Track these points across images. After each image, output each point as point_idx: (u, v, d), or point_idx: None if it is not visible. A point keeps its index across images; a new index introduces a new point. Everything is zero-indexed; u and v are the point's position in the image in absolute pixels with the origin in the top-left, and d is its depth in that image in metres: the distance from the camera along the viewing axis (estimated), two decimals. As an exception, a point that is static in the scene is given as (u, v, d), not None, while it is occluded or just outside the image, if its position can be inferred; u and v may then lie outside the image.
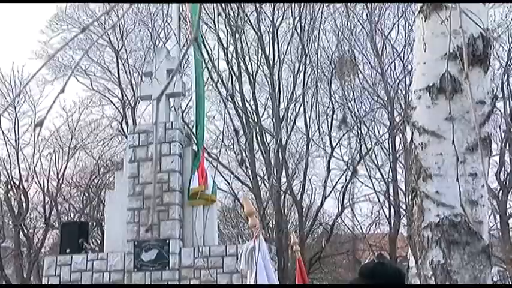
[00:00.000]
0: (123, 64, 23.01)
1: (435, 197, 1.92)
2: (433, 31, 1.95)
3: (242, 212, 22.16)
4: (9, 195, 22.53)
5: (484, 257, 1.91)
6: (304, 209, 20.68)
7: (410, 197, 2.02)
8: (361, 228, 22.02)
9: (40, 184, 22.92)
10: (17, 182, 22.37)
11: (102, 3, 22.06)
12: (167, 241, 10.37)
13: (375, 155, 20.93)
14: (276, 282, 2.68)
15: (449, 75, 1.88)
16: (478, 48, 1.89)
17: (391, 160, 20.85)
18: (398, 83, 20.69)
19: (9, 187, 22.42)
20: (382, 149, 21.22)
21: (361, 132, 20.50)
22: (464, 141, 1.90)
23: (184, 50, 12.15)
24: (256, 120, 20.50)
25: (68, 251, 11.46)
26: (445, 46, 1.88)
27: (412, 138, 2.02)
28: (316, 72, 20.68)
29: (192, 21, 11.51)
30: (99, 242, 21.72)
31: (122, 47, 22.93)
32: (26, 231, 22.90)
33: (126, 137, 20.74)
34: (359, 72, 20.92)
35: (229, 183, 21.23)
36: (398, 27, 20.86)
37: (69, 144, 23.39)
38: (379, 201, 21.11)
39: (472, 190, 1.91)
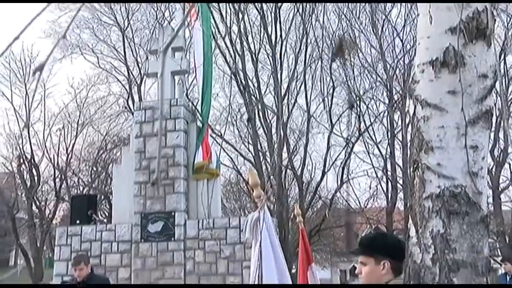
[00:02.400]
0: (129, 43, 22.88)
1: (436, 168, 1.91)
2: (438, 5, 1.91)
3: (244, 186, 22.34)
4: (21, 169, 22.65)
5: (482, 227, 1.91)
6: (304, 184, 20.73)
7: (411, 168, 2.00)
8: (359, 202, 22.16)
9: (50, 159, 23.02)
10: (29, 157, 22.46)
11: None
12: (172, 213, 10.42)
13: (374, 132, 20.94)
14: (279, 250, 2.67)
15: (453, 49, 1.85)
16: (482, 22, 1.85)
17: (389, 137, 20.84)
18: (397, 62, 20.57)
19: (22, 161, 22.52)
20: (380, 126, 21.19)
21: (360, 109, 20.48)
22: (466, 114, 1.87)
23: (184, 28, 12.02)
24: (258, 97, 20.44)
25: (78, 222, 11.55)
26: (449, 20, 1.85)
27: (414, 111, 1.99)
28: (317, 51, 20.55)
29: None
30: (107, 214, 21.85)
31: (128, 26, 22.78)
32: (38, 203, 23.09)
33: (133, 114, 20.74)
34: (359, 51, 20.77)
35: (232, 159, 21.27)
36: (399, 6, 20.61)
37: (78, 120, 23.44)
38: (377, 176, 21.22)
39: (472, 162, 1.89)
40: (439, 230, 1.89)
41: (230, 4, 20.10)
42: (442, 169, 1.90)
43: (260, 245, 2.62)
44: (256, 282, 2.60)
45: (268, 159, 19.95)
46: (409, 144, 2.09)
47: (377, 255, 2.97)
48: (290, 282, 2.74)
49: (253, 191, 2.82)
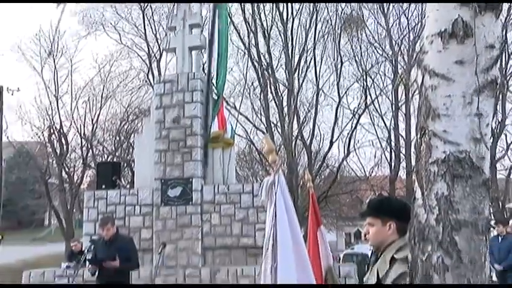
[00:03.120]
0: (148, 20, 22.79)
1: (442, 135, 1.89)
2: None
3: (257, 155, 22.40)
4: (52, 139, 22.88)
5: (484, 189, 1.90)
6: (313, 153, 20.78)
7: (418, 135, 1.99)
8: (364, 171, 22.21)
9: (78, 129, 23.20)
10: (58, 127, 22.65)
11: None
12: (190, 179, 10.48)
13: (379, 105, 20.86)
14: (293, 211, 2.68)
15: (462, 21, 1.82)
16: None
17: (393, 109, 20.77)
18: (402, 38, 20.33)
19: (52, 131, 22.73)
20: (385, 99, 21.07)
21: (366, 83, 20.36)
22: (472, 83, 1.85)
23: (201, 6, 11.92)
24: (270, 72, 20.34)
25: (103, 187, 11.67)
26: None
27: (422, 81, 1.97)
28: (326, 28, 20.34)
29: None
30: (129, 180, 22.01)
31: (147, 4, 22.63)
32: (67, 169, 23.40)
33: (153, 87, 20.76)
34: (366, 28, 20.53)
35: (245, 130, 21.30)
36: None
37: (102, 93, 23.52)
38: (381, 146, 21.25)
39: (477, 129, 1.87)
40: (443, 192, 1.88)
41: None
42: (448, 135, 1.88)
43: (275, 206, 2.64)
44: (271, 241, 2.63)
45: (280, 130, 19.96)
46: (416, 113, 2.07)
47: (383, 217, 2.98)
48: (302, 240, 2.75)
49: (268, 156, 2.81)
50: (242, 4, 19.92)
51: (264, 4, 20.56)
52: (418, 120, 2.00)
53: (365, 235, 3.35)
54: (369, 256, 18.13)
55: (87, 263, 6.89)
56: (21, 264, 23.44)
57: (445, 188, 1.88)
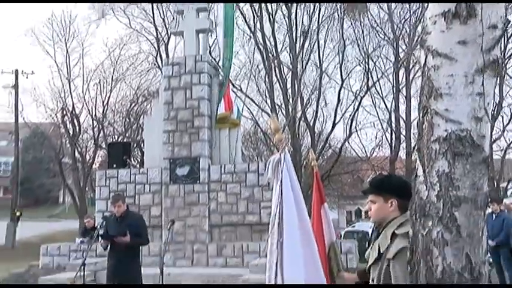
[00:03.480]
0: (157, 4, 22.59)
1: (444, 114, 1.87)
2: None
3: (262, 136, 22.39)
4: (64, 120, 22.93)
5: (484, 167, 1.89)
6: (316, 134, 20.75)
7: (421, 114, 1.97)
8: (365, 151, 22.17)
9: (89, 110, 23.23)
10: (70, 109, 22.69)
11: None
12: (198, 159, 10.51)
13: (380, 87, 20.75)
14: (298, 188, 2.68)
15: (465, 1, 1.78)
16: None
17: (394, 92, 20.64)
18: (403, 22, 20.11)
19: (64, 113, 22.77)
20: (386, 81, 20.94)
21: (368, 66, 20.21)
22: (474, 63, 1.82)
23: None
24: (275, 55, 20.22)
25: (114, 166, 11.72)
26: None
27: (425, 61, 1.94)
28: (329, 12, 20.14)
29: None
30: (139, 160, 22.10)
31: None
32: (79, 150, 23.47)
33: (161, 70, 20.70)
34: (368, 12, 20.30)
35: (250, 111, 21.27)
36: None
37: (112, 76, 23.47)
38: (382, 128, 21.17)
39: (478, 108, 1.85)
40: (444, 169, 1.87)
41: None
42: (450, 114, 1.86)
43: (281, 184, 2.63)
44: (277, 217, 2.63)
45: (284, 112, 19.90)
46: (418, 93, 2.05)
47: (385, 194, 2.97)
48: (307, 216, 2.75)
49: (274, 135, 2.80)
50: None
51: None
52: (421, 99, 1.97)
53: (367, 212, 3.35)
54: (369, 233, 18.24)
55: (100, 238, 6.92)
56: (38, 239, 23.68)
57: (446, 165, 1.87)
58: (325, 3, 19.96)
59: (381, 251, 2.91)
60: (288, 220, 2.58)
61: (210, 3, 12.32)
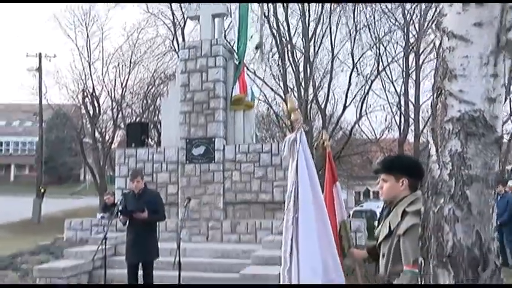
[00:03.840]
0: (174, -11, 22.45)
1: (458, 94, 1.85)
2: None
3: (274, 118, 22.36)
4: (85, 101, 23.06)
5: (496, 147, 1.88)
6: (327, 116, 20.64)
7: (435, 95, 1.95)
8: (375, 134, 22.06)
9: (108, 92, 23.30)
10: (91, 91, 22.79)
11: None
12: (213, 139, 10.53)
13: (390, 71, 20.52)
14: (313, 165, 2.68)
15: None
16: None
17: (404, 76, 20.40)
18: (414, 8, 19.75)
19: (85, 95, 22.88)
20: (396, 66, 20.72)
21: (379, 51, 19.99)
22: (489, 44, 1.79)
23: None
24: (288, 39, 20.07)
25: (133, 145, 11.78)
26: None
27: (440, 42, 1.91)
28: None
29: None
30: (155, 140, 22.18)
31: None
32: (99, 130, 23.61)
33: (177, 53, 20.66)
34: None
35: (264, 94, 21.21)
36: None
37: (130, 59, 23.42)
38: (391, 111, 21.02)
39: (492, 89, 1.83)
40: (457, 149, 1.86)
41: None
42: (464, 95, 1.84)
43: (297, 162, 2.64)
44: (293, 194, 2.64)
45: (296, 94, 19.80)
46: (433, 73, 2.02)
47: (397, 174, 2.97)
48: (321, 193, 2.76)
49: (291, 115, 2.80)
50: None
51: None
52: (435, 80, 1.95)
53: (378, 192, 3.35)
54: (376, 213, 18.25)
55: (119, 214, 7.00)
56: (61, 214, 24.04)
57: (459, 145, 1.85)
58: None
59: (392, 228, 2.92)
60: (303, 197, 2.59)
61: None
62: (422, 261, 1.99)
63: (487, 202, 1.87)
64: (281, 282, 2.73)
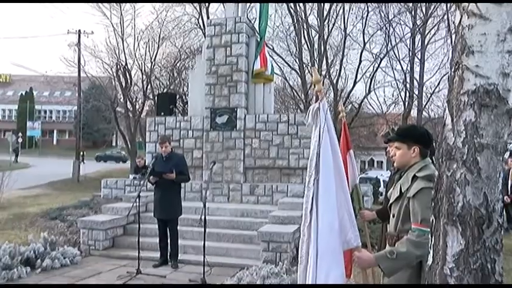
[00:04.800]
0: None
1: (474, 69, 1.84)
2: None
3: (290, 92, 22.28)
4: (118, 74, 23.12)
5: (506, 117, 1.87)
6: (338, 91, 20.48)
7: (452, 69, 1.93)
8: (381, 108, 21.88)
9: (139, 65, 23.30)
10: (123, 64, 22.82)
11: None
12: (235, 109, 10.54)
13: (398, 51, 20.20)
14: (334, 132, 2.70)
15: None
16: None
17: (410, 55, 20.09)
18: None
19: (118, 68, 22.93)
20: (404, 45, 20.35)
21: (388, 31, 19.64)
22: (507, 22, 1.77)
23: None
24: (304, 19, 19.78)
25: (162, 114, 11.86)
26: None
27: (460, 20, 1.89)
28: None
29: None
30: (180, 109, 22.24)
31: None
32: (130, 100, 23.73)
33: (202, 30, 20.52)
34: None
35: (281, 69, 21.05)
36: None
37: (159, 35, 23.28)
38: (397, 87, 20.77)
39: (506, 64, 1.81)
40: (471, 119, 1.86)
41: None
42: (479, 70, 1.83)
43: (319, 129, 2.65)
44: (315, 157, 2.66)
45: (310, 70, 19.63)
46: (451, 49, 2.01)
47: (409, 142, 2.98)
48: (340, 157, 2.79)
49: (315, 86, 2.80)
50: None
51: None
52: (453, 55, 1.93)
53: (392, 157, 3.37)
54: (380, 180, 18.24)
55: (151, 175, 7.12)
56: (98, 174, 24.54)
57: (473, 115, 1.85)
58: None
59: (402, 191, 2.95)
60: (324, 160, 2.62)
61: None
62: (434, 219, 2.01)
63: (495, 167, 1.88)
64: (301, 237, 2.78)
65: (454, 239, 1.91)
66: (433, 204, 2.02)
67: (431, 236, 2.04)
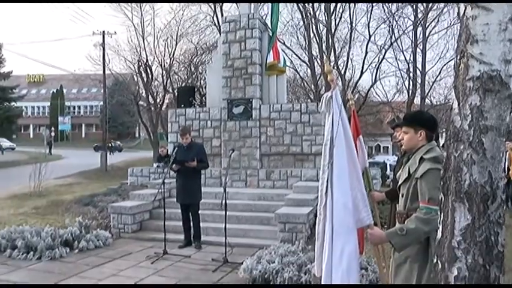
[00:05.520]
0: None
1: (478, 56, 1.85)
2: None
3: (300, 83, 22.17)
4: (140, 70, 23.27)
5: (508, 101, 1.88)
6: (346, 81, 20.35)
7: (458, 57, 1.94)
8: (387, 96, 21.74)
9: (159, 62, 23.40)
10: (144, 61, 22.96)
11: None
12: (250, 100, 10.55)
13: (401, 42, 20.00)
14: (346, 119, 2.72)
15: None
16: None
17: (412, 46, 19.89)
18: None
19: (140, 64, 23.07)
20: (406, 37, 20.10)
21: (392, 24, 19.41)
22: (508, 13, 1.77)
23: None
24: (312, 13, 19.61)
25: (182, 106, 11.92)
26: None
27: (464, 12, 1.89)
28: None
29: None
30: (198, 101, 22.30)
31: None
32: (152, 94, 23.88)
33: (217, 27, 20.47)
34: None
35: (291, 61, 20.95)
36: None
37: (177, 33, 23.32)
38: (401, 76, 20.61)
39: (508, 51, 1.82)
40: (476, 103, 1.87)
41: None
42: (483, 57, 1.84)
43: (332, 117, 2.68)
44: (329, 142, 2.69)
45: (319, 62, 19.53)
46: (456, 38, 2.01)
47: (416, 126, 3.00)
48: (352, 142, 2.81)
49: (327, 75, 2.82)
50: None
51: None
52: (458, 44, 1.94)
53: (399, 141, 3.38)
54: (387, 164, 18.13)
55: (174, 163, 7.20)
56: (124, 164, 24.82)
57: (478, 99, 1.87)
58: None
59: (410, 172, 2.97)
60: (338, 144, 2.64)
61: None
62: (443, 197, 2.04)
63: (499, 148, 1.90)
64: (317, 217, 2.82)
65: (461, 215, 1.94)
66: (441, 183, 2.05)
67: (441, 213, 2.07)
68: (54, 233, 6.97)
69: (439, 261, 2.05)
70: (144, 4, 22.66)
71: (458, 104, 1.94)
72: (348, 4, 19.33)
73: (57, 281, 5.54)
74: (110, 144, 24.84)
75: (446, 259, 1.99)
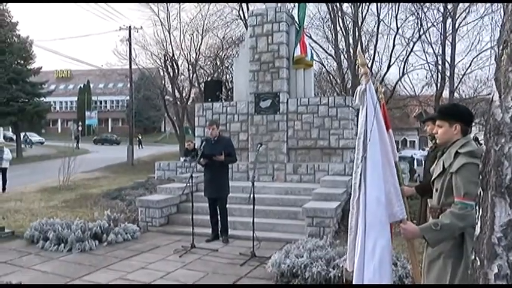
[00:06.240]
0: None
1: (523, 46, 1.80)
2: None
3: (326, 76, 21.97)
4: (166, 64, 23.51)
5: (553, 94, 1.82)
6: (373, 74, 20.04)
7: (501, 47, 1.89)
8: (414, 90, 21.32)
9: (185, 56, 23.58)
10: (170, 55, 23.17)
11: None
12: (278, 94, 10.54)
13: (430, 35, 19.52)
14: (380, 111, 2.70)
15: None
16: None
17: (442, 39, 19.37)
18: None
19: (166, 58, 23.30)
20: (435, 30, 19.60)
21: (420, 16, 18.98)
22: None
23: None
24: (338, 7, 19.39)
25: (209, 100, 12.00)
26: None
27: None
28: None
29: None
30: (225, 95, 22.39)
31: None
32: (178, 88, 24.11)
33: (243, 21, 20.44)
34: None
35: (318, 54, 20.78)
36: None
37: (203, 27, 23.43)
38: (429, 69, 20.14)
39: (554, 41, 1.76)
40: (518, 95, 1.82)
41: None
42: (528, 47, 1.79)
43: (366, 109, 2.66)
44: (362, 136, 2.67)
45: (346, 55, 19.32)
46: (500, 29, 1.95)
47: (451, 120, 2.93)
48: (385, 133, 2.78)
49: (361, 68, 2.79)
50: None
51: None
52: (501, 34, 1.89)
53: (430, 134, 3.31)
54: (414, 159, 17.82)
55: (202, 157, 7.24)
56: (151, 158, 25.23)
57: (520, 91, 1.81)
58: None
59: (445, 167, 2.91)
60: (371, 138, 2.62)
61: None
62: (482, 192, 1.99)
63: (542, 141, 1.85)
64: (350, 210, 2.81)
65: (502, 210, 1.89)
66: (480, 177, 2.00)
67: (479, 208, 2.02)
68: (84, 225, 7.15)
69: (477, 258, 2.01)
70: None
71: (500, 97, 1.88)
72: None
73: (88, 273, 5.67)
74: (138, 138, 25.20)
75: (486, 256, 1.95)
